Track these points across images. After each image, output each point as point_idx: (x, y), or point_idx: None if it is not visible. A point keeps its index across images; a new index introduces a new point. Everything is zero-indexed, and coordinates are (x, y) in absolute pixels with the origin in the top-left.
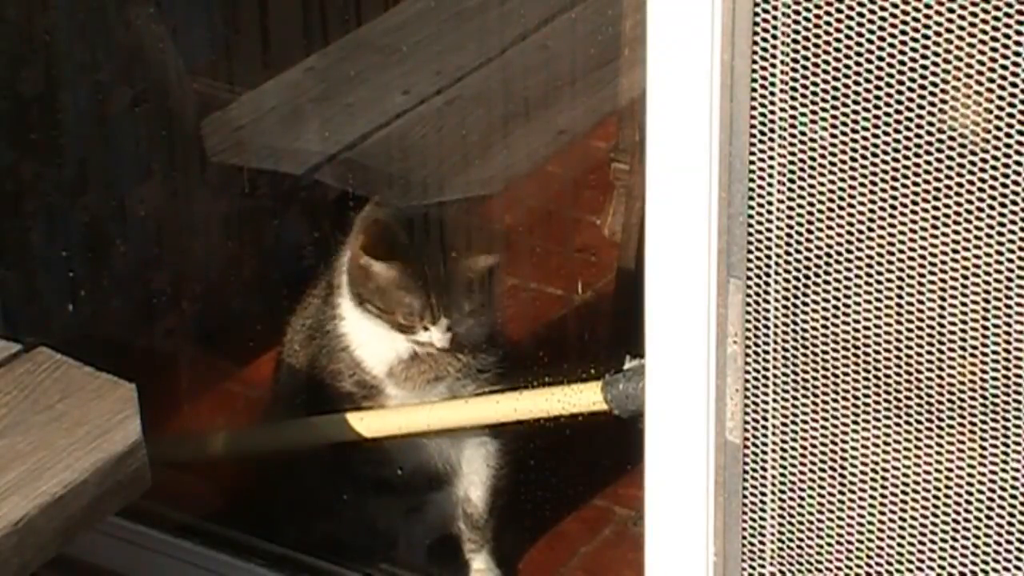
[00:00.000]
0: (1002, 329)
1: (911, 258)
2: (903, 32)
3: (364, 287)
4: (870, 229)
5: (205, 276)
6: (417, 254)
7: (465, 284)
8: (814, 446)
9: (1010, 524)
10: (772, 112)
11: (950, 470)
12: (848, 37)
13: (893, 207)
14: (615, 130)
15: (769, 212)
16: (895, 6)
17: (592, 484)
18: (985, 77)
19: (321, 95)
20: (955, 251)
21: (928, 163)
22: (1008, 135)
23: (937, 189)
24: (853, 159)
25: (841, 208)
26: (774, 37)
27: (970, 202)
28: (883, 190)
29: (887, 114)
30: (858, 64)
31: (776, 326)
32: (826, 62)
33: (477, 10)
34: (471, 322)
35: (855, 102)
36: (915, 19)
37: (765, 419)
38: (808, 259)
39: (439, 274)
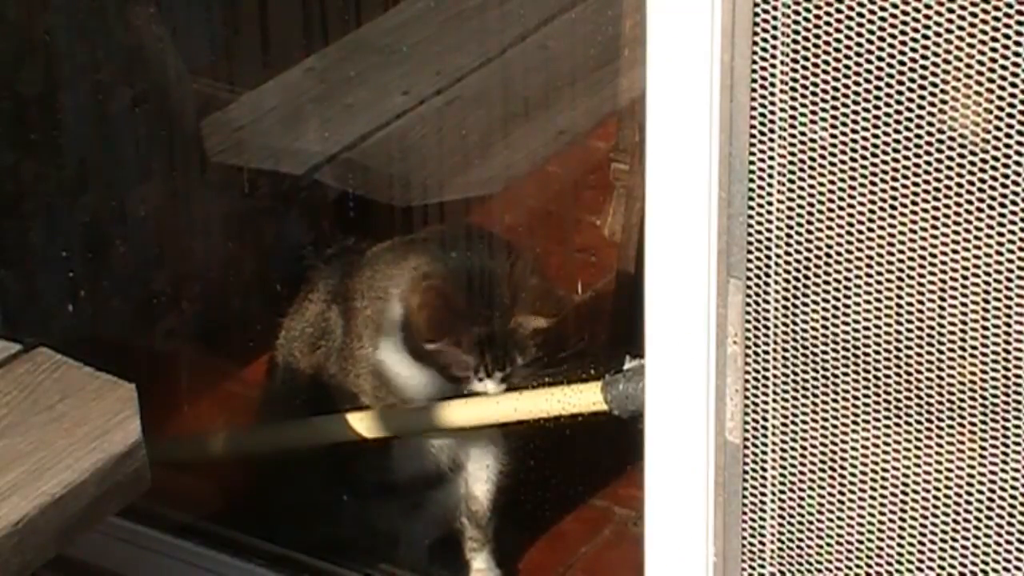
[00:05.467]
0: (1001, 329)
1: (911, 258)
2: (903, 32)
3: (421, 346)
4: (870, 229)
5: (205, 276)
6: (472, 314)
7: (519, 339)
8: (814, 446)
9: (1009, 524)
10: (772, 112)
11: (950, 470)
12: (848, 37)
13: (893, 207)
14: (615, 130)
15: (769, 212)
16: (895, 6)
17: (592, 484)
18: (985, 77)
19: (321, 95)
20: (955, 251)
21: (928, 163)
22: (1008, 135)
23: (937, 189)
24: (853, 159)
25: (841, 208)
26: (774, 37)
27: (970, 202)
28: (883, 190)
29: (887, 114)
30: (858, 64)
31: (776, 326)
32: (826, 62)
33: (477, 10)
34: (526, 372)
35: (855, 102)
36: (915, 19)
37: (765, 419)
38: (808, 259)
39: (493, 331)
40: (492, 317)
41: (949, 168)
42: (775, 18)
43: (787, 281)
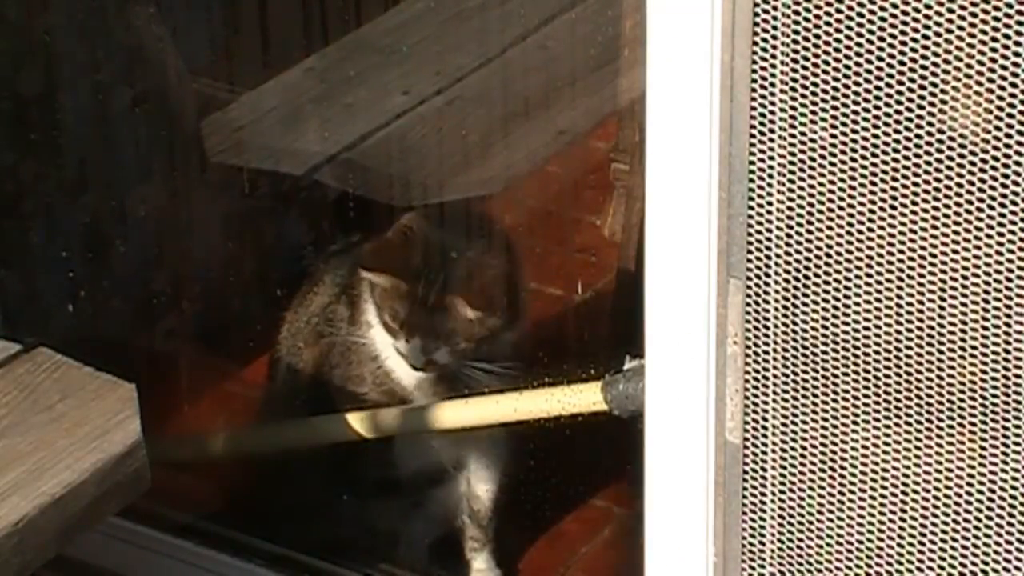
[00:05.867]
0: (1001, 329)
1: (911, 258)
2: (903, 32)
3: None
4: (870, 229)
5: (205, 276)
6: (416, 274)
7: (462, 324)
8: (814, 446)
9: (1009, 524)
10: (772, 112)
11: (950, 470)
12: (848, 37)
13: (893, 207)
14: (615, 130)
15: (769, 212)
16: (895, 6)
17: (592, 484)
18: (985, 77)
19: (321, 95)
20: (955, 251)
21: (928, 163)
22: (1008, 135)
23: (937, 189)
24: (853, 159)
25: (841, 208)
26: (774, 37)
27: (970, 202)
28: (883, 190)
29: (887, 114)
30: (858, 64)
31: (776, 326)
32: (826, 62)
33: (477, 10)
34: (452, 360)
35: (855, 102)
36: (915, 19)
37: (765, 419)
38: (808, 259)
39: (429, 302)
40: (435, 290)
41: (949, 168)
42: (775, 18)
43: (787, 281)
